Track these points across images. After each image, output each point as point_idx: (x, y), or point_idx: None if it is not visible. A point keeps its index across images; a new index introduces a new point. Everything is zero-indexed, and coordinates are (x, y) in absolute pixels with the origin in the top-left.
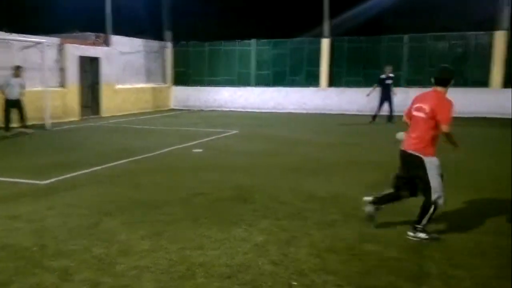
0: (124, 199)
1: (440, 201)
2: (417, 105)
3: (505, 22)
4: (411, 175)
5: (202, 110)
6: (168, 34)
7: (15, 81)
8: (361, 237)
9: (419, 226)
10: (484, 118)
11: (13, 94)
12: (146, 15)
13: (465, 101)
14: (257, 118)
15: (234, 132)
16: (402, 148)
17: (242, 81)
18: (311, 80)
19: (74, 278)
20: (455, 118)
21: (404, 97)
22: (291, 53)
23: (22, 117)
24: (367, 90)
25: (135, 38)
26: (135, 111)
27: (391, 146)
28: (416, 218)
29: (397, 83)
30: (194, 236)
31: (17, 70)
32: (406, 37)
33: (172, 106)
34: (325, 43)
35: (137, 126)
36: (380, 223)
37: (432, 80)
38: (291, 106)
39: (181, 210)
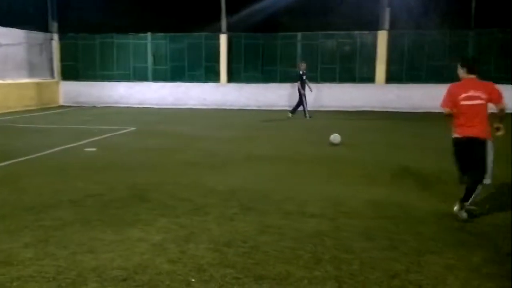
0: (7, 204)
1: (488, 181)
2: (467, 94)
3: (386, 23)
4: (472, 159)
5: (95, 107)
6: (54, 25)
7: None
8: (259, 229)
9: (466, 203)
10: (372, 112)
11: None
12: (29, 4)
13: (354, 95)
14: (155, 114)
15: (131, 129)
16: (464, 135)
17: (138, 76)
18: (211, 75)
19: None
20: (346, 112)
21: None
22: (189, 48)
23: None
24: (265, 86)
25: (16, 29)
26: (18, 109)
27: (288, 141)
28: (463, 196)
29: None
30: (85, 240)
31: None
32: (299, 35)
33: (61, 103)
34: (223, 39)
35: (21, 125)
36: (278, 215)
37: (464, 69)
38: (191, 102)
39: (71, 213)
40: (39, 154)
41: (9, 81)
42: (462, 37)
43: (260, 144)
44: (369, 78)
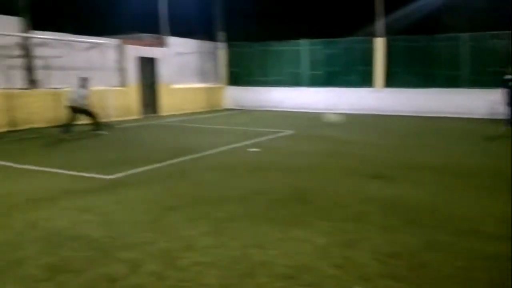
0: (186, 195)
1: None
2: None
3: None
4: None
5: (255, 110)
6: (221, 34)
7: (80, 91)
8: (426, 244)
9: None
10: None
11: (78, 102)
12: (200, 16)
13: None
14: (310, 118)
15: (289, 132)
16: None
17: (294, 81)
18: (366, 80)
19: (142, 270)
20: None
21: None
22: (343, 53)
23: (92, 121)
24: (425, 91)
25: (190, 39)
26: (191, 110)
27: (452, 151)
28: None
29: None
30: (254, 235)
31: (84, 81)
32: (465, 35)
33: (226, 106)
34: (379, 42)
35: (194, 125)
36: (446, 231)
37: None
38: (344, 107)
39: (240, 208)
40: (211, 152)
41: (184, 85)
42: None
43: (420, 153)
44: None
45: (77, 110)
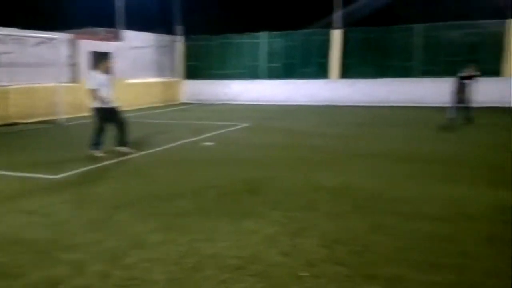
0: (135, 192)
1: None
2: None
3: None
4: None
5: (212, 104)
6: (179, 28)
7: (105, 79)
8: (371, 228)
9: None
10: (497, 108)
11: (109, 98)
12: (156, 10)
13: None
14: (267, 111)
15: (245, 125)
16: None
17: (252, 74)
18: (321, 72)
19: (87, 270)
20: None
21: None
22: (301, 45)
23: (121, 134)
24: (379, 81)
25: (146, 33)
26: (147, 105)
27: (401, 138)
28: None
29: (407, 73)
30: (204, 229)
31: (105, 64)
32: (418, 26)
33: (183, 100)
34: (335, 34)
35: (149, 120)
36: (391, 215)
37: None
38: (302, 99)
39: (192, 203)
40: (165, 147)
41: (139, 80)
42: None
43: (371, 141)
44: (496, 71)
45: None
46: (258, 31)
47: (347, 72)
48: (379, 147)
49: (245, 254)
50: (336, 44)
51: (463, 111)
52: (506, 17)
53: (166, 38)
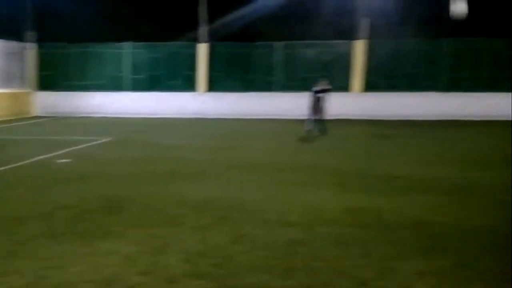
0: None
1: None
2: None
3: (364, 32)
4: None
5: (71, 117)
6: (30, 34)
7: None
8: (233, 239)
9: None
10: (348, 120)
11: None
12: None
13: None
14: (133, 124)
15: (108, 139)
16: None
17: (115, 85)
18: (189, 84)
19: None
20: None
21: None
22: (167, 58)
23: None
24: (244, 94)
25: None
26: None
27: (268, 149)
28: None
29: (270, 88)
30: (54, 254)
31: None
32: (278, 44)
33: (36, 113)
34: (202, 48)
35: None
36: (254, 224)
37: None
38: (169, 111)
39: (40, 226)
40: (11, 166)
41: None
42: (437, 46)
43: (239, 153)
44: (345, 87)
45: None
46: (121, 41)
47: (214, 85)
48: (245, 158)
49: (101, 278)
50: (203, 58)
51: (319, 123)
52: (352, 38)
53: (15, 45)
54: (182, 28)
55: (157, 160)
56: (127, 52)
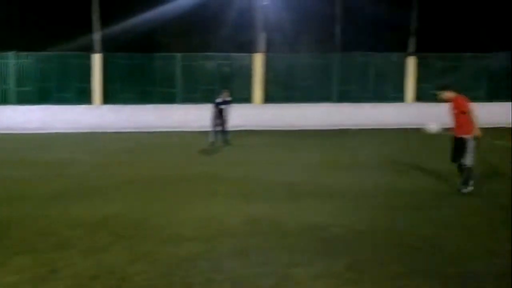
0: None
1: None
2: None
3: (262, 46)
4: None
5: None
6: None
7: None
8: (130, 259)
9: None
10: (249, 131)
11: None
12: None
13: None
14: (18, 140)
15: None
16: None
17: None
18: (83, 97)
19: None
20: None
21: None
22: (58, 68)
23: None
24: (143, 107)
25: None
26: None
27: (166, 163)
28: None
29: (171, 99)
30: None
31: None
32: (178, 55)
33: None
34: (97, 59)
35: None
36: (152, 241)
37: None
38: (60, 125)
39: None
40: None
41: None
42: (329, 60)
43: (137, 167)
44: (247, 98)
45: None
46: (4, 50)
47: (111, 97)
48: (144, 173)
49: None
50: (97, 69)
51: (221, 134)
52: (251, 52)
53: None
54: (74, 37)
55: (48, 179)
56: (11, 62)
